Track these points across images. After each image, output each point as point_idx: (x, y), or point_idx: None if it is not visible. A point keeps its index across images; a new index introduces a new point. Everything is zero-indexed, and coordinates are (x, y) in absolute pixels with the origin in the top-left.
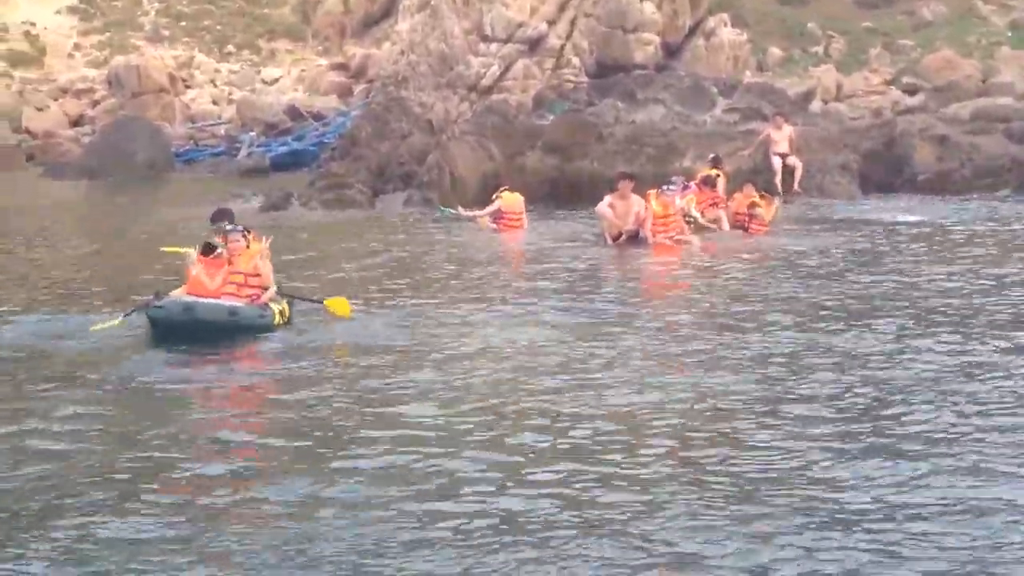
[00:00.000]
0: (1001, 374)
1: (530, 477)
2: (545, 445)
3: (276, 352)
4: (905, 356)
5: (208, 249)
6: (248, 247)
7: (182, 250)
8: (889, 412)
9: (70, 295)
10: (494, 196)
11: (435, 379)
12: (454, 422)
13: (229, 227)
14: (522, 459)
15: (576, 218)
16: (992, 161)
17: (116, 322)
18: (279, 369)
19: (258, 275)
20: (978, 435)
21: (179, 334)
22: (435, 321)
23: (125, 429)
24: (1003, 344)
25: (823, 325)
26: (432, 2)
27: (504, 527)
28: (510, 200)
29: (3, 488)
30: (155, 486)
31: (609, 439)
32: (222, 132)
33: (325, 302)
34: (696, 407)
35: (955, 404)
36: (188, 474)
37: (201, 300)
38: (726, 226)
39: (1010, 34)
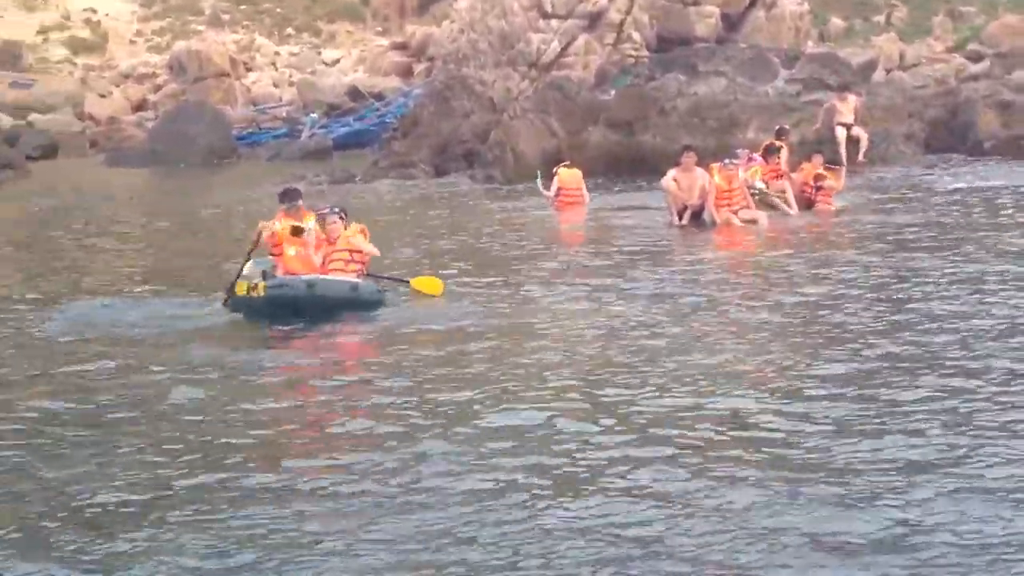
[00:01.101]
0: None
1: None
2: (627, 442)
3: (362, 333)
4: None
5: (296, 231)
6: (346, 227)
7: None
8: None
9: (155, 280)
10: (552, 172)
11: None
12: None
13: (326, 209)
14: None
15: (638, 192)
16: None
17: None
18: (367, 352)
19: (361, 251)
20: None
21: (298, 311)
22: (508, 302)
23: (225, 413)
24: None
25: (898, 304)
26: None
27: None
28: (567, 176)
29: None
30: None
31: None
32: (283, 114)
33: (412, 282)
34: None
35: None
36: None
37: (322, 277)
38: (792, 198)
39: None
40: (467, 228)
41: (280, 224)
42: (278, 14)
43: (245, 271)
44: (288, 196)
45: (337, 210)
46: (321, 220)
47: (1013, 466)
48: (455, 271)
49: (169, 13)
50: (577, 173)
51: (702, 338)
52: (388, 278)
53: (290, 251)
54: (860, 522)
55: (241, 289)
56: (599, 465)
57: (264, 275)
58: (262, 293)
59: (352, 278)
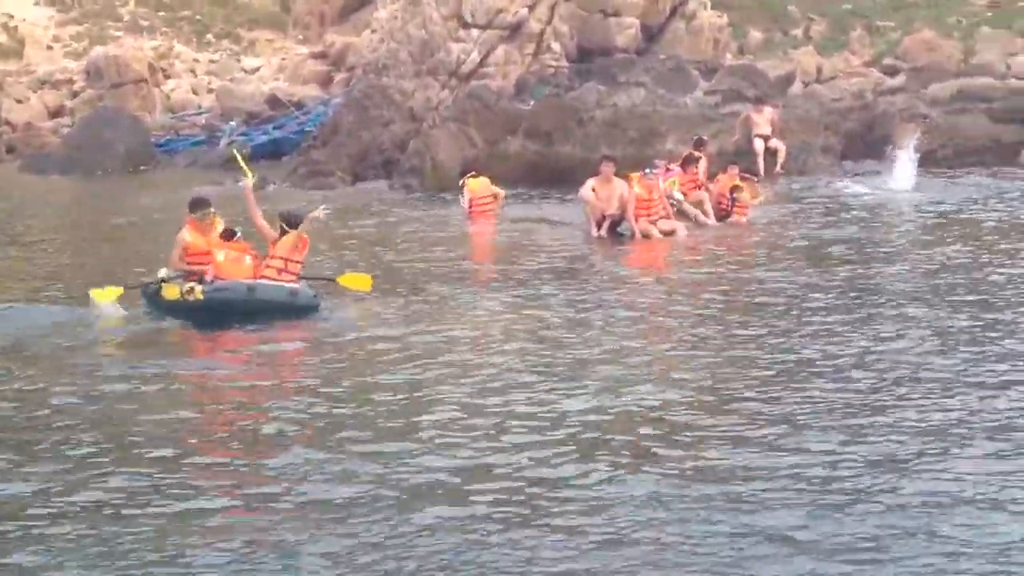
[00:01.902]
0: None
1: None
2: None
3: (285, 339)
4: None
5: (229, 234)
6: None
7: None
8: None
9: (61, 286)
10: (460, 183)
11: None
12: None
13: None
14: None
15: (557, 205)
16: (972, 141)
17: (118, 291)
18: (289, 356)
19: (297, 261)
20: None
21: (234, 315)
22: (429, 311)
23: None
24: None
25: (812, 314)
26: None
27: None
28: (476, 186)
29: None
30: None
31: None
32: (202, 122)
33: (339, 279)
34: (680, 400)
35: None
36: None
37: (262, 282)
38: (710, 208)
39: (990, 14)
40: (386, 238)
41: (189, 234)
42: (197, 21)
43: (162, 274)
44: (198, 205)
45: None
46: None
47: (943, 464)
48: (378, 280)
49: (87, 19)
50: (485, 181)
51: (619, 347)
52: (316, 277)
53: (220, 256)
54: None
55: (172, 293)
56: (517, 460)
57: (200, 280)
58: (200, 297)
59: (290, 284)
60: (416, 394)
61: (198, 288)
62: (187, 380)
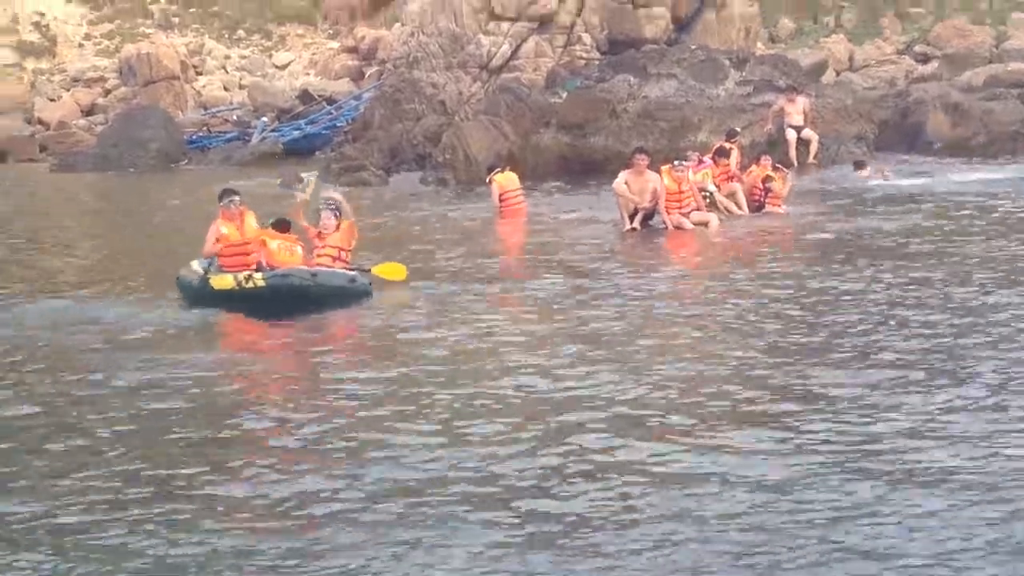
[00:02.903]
0: None
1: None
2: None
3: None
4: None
5: (283, 225)
6: (339, 226)
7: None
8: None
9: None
10: (488, 180)
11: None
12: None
13: (322, 205)
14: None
15: (590, 196)
16: (1006, 127)
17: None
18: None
19: (348, 250)
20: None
21: (295, 302)
22: (469, 306)
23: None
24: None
25: (836, 314)
26: None
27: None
28: (505, 180)
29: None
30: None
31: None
32: (234, 118)
33: (373, 270)
34: (704, 393)
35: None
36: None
37: (322, 268)
38: (743, 200)
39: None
40: (420, 232)
41: (224, 225)
42: (228, 17)
43: (195, 266)
44: (225, 193)
45: (332, 206)
46: (315, 215)
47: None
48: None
49: (118, 16)
50: (513, 176)
51: (655, 345)
52: (353, 268)
53: (273, 245)
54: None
55: (225, 282)
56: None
57: (258, 267)
58: (261, 284)
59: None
60: (456, 385)
61: (257, 276)
62: (235, 370)
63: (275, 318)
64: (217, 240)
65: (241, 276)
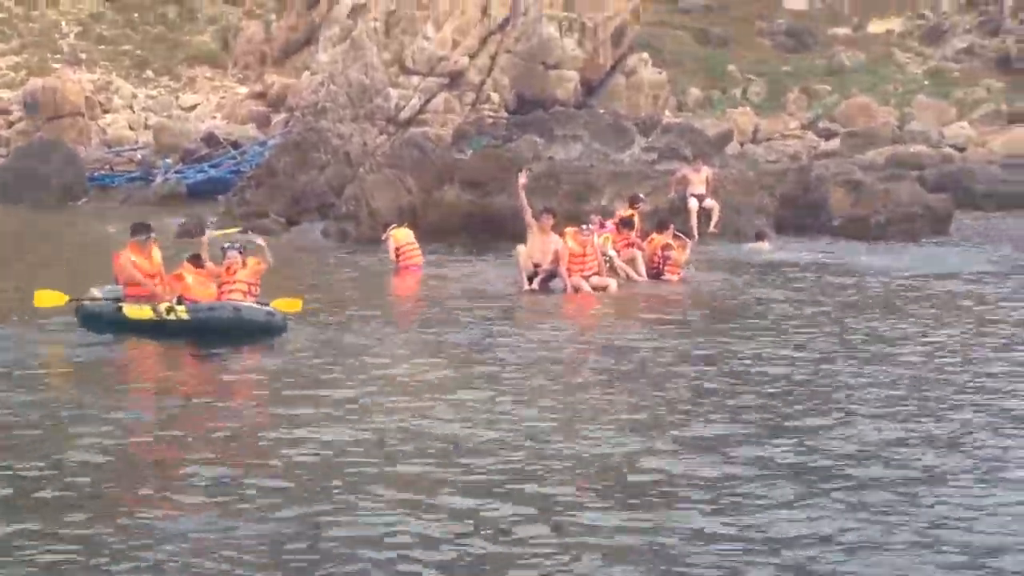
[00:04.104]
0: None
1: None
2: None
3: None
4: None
5: (197, 259)
6: (244, 263)
7: (230, 230)
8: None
9: None
10: (384, 237)
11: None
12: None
13: (227, 245)
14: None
15: (490, 254)
16: (906, 207)
17: (63, 298)
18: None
19: (257, 284)
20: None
21: (217, 335)
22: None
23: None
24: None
25: (731, 369)
26: (353, 33)
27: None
28: (402, 235)
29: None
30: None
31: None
32: (139, 157)
33: (272, 303)
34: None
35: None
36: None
37: (244, 304)
38: (642, 267)
39: (926, 83)
40: (317, 282)
41: (134, 256)
42: (137, 56)
43: (96, 293)
44: (140, 229)
45: (237, 246)
46: (221, 252)
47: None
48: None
49: (26, 49)
50: (409, 232)
51: (534, 393)
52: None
53: (189, 279)
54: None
55: (143, 312)
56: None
57: (179, 300)
58: (185, 316)
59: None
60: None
61: (180, 308)
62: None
63: (192, 347)
64: (125, 269)
65: (162, 307)
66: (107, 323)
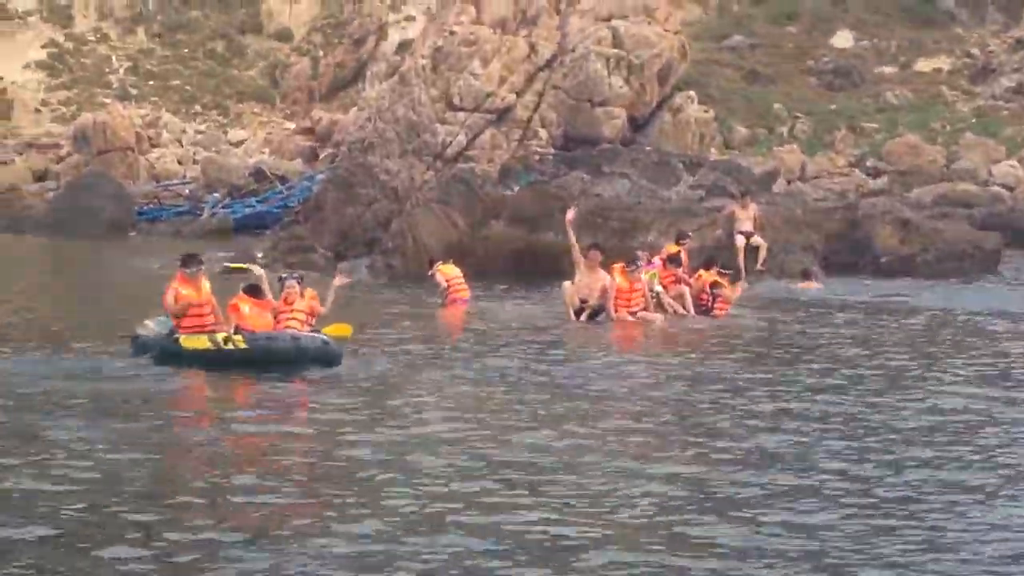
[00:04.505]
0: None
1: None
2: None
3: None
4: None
5: (254, 290)
6: (302, 293)
7: (245, 266)
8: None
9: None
10: (430, 273)
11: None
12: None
13: (285, 275)
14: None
15: (537, 291)
16: (954, 246)
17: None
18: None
19: (313, 314)
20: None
21: (276, 364)
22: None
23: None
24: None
25: (781, 406)
26: (401, 69)
27: None
28: (449, 270)
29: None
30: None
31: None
32: (186, 192)
33: (323, 331)
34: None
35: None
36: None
37: (302, 333)
38: (689, 303)
39: (974, 120)
40: (367, 313)
41: (183, 287)
42: (186, 91)
43: (151, 325)
44: (191, 261)
45: (296, 276)
46: (280, 284)
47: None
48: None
49: (76, 84)
50: (455, 268)
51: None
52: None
53: (245, 308)
54: None
55: (199, 343)
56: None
57: (236, 330)
58: (244, 345)
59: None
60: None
61: (237, 337)
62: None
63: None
64: (177, 299)
65: (219, 337)
66: (161, 353)
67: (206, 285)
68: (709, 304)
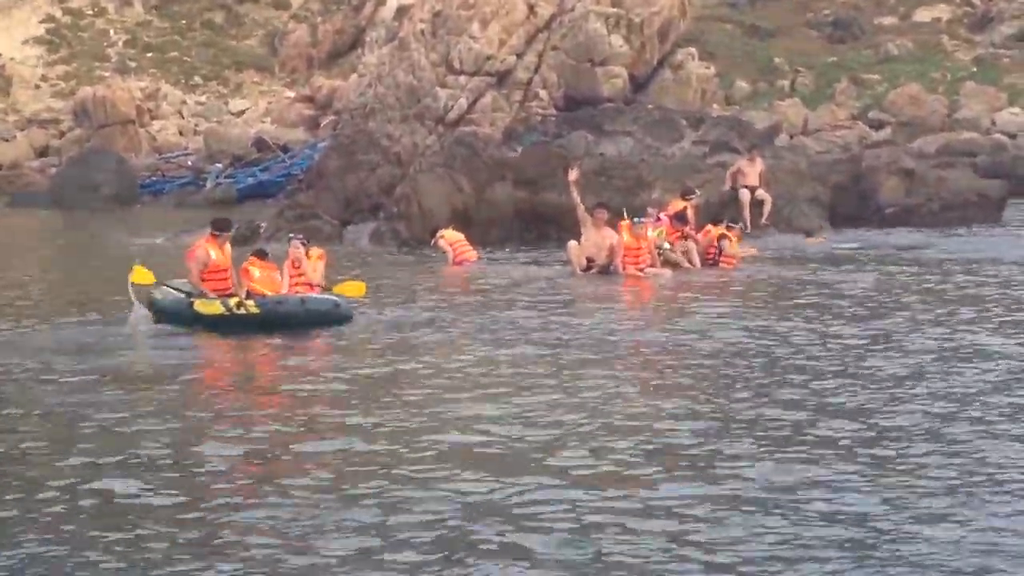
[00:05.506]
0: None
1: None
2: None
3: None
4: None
5: (262, 253)
6: (307, 253)
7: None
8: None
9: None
10: (434, 242)
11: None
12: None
13: (291, 235)
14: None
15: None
16: (958, 195)
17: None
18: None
19: (322, 274)
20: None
21: (287, 326)
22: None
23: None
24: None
25: (786, 357)
26: (400, 34)
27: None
28: (452, 236)
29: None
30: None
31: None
32: (188, 163)
33: (334, 289)
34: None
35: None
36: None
37: (311, 294)
38: (696, 258)
39: (975, 69)
40: (375, 276)
41: (214, 251)
42: (185, 63)
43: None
44: (224, 224)
45: (300, 237)
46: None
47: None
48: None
49: (75, 59)
50: (458, 233)
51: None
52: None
53: (255, 272)
54: None
55: (213, 308)
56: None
57: (248, 294)
58: (255, 310)
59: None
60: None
61: (249, 302)
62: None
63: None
64: (205, 265)
65: (231, 302)
66: (176, 317)
67: (228, 250)
68: (716, 258)
